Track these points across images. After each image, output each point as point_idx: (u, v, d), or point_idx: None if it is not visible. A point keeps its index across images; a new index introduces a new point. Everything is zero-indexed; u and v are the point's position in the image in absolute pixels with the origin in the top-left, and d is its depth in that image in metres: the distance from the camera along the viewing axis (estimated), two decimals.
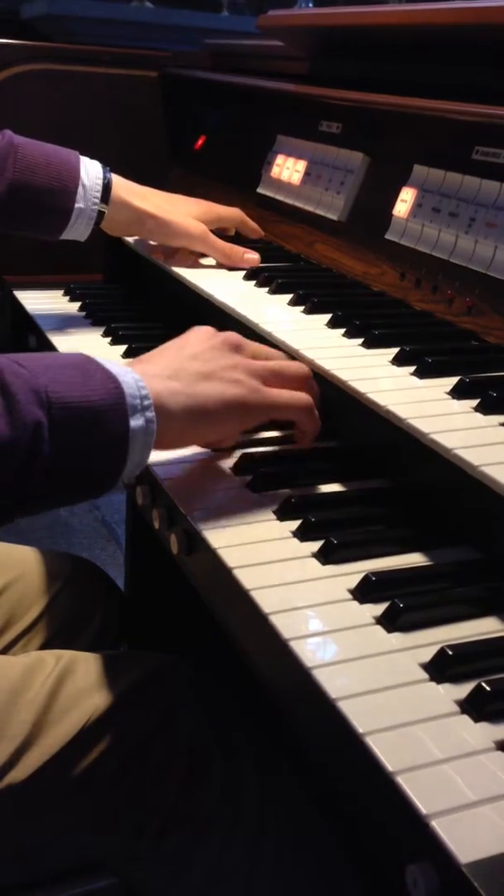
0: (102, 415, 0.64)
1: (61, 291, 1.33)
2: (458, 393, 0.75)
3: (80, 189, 1.10)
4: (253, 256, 1.16)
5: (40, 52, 1.53)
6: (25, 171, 1.08)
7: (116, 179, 1.14)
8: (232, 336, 0.79)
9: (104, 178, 1.12)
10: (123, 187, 1.14)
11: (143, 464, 0.68)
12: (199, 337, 0.78)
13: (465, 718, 0.52)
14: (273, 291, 1.04)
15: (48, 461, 0.62)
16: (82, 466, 0.65)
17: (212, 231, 1.18)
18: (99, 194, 1.11)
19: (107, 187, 1.12)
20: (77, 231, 1.13)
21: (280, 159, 1.30)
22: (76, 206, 1.10)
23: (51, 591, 1.11)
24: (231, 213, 1.23)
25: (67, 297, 1.31)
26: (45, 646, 1.07)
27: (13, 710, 0.83)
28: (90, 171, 1.11)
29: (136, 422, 0.66)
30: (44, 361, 0.66)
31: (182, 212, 1.16)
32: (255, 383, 0.75)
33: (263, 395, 0.76)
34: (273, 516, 0.72)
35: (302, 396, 0.78)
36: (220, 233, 1.26)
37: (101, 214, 1.12)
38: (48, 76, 1.51)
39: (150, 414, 0.67)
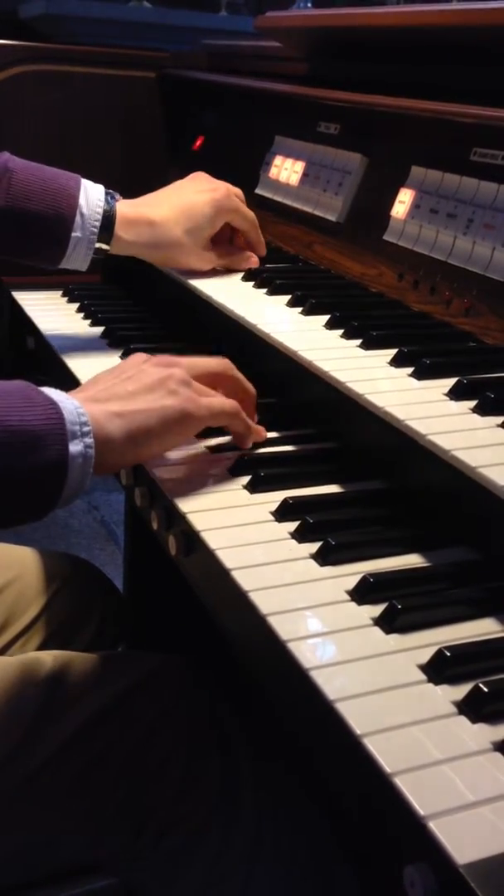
0: (42, 439, 0.67)
1: (60, 292, 1.33)
2: (456, 394, 0.76)
3: (77, 217, 1.03)
4: (254, 262, 1.13)
5: (39, 53, 1.53)
6: (19, 196, 1.03)
7: (122, 209, 1.05)
8: (163, 357, 0.81)
9: (106, 205, 1.04)
10: (128, 218, 1.05)
11: (83, 488, 0.70)
12: (132, 361, 0.81)
13: (463, 719, 0.52)
14: (271, 292, 1.04)
15: None
16: (21, 488, 0.68)
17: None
18: (98, 225, 1.03)
19: (108, 218, 1.04)
20: (76, 261, 1.06)
21: (278, 160, 1.30)
22: (73, 234, 1.03)
23: (49, 592, 1.11)
24: (245, 210, 1.14)
25: (66, 298, 1.31)
26: (43, 646, 1.07)
27: (11, 711, 0.83)
28: (91, 197, 1.04)
29: (74, 447, 0.68)
30: None
31: (194, 222, 1.07)
32: (190, 393, 0.77)
33: (199, 403, 0.78)
34: (271, 517, 0.73)
35: (230, 403, 0.81)
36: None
37: (99, 249, 1.05)
38: (47, 77, 1.51)
39: (89, 440, 0.70)
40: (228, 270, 1.14)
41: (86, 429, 0.69)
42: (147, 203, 1.09)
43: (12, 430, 0.66)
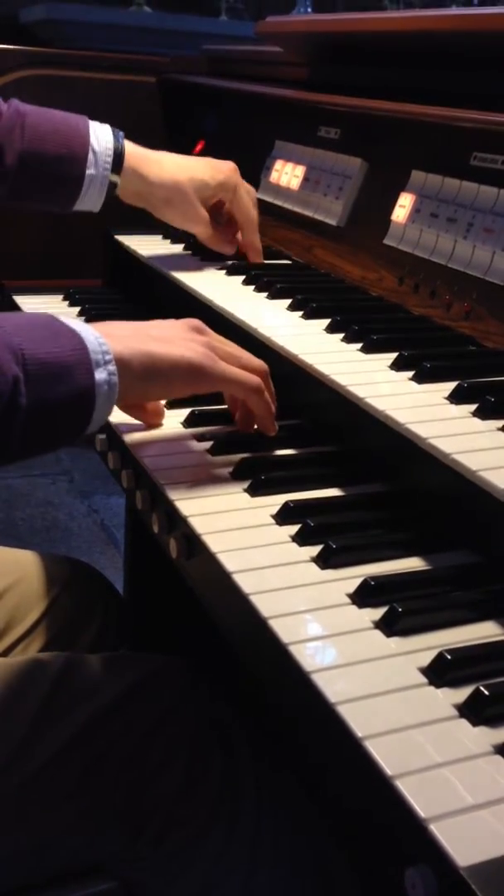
0: (70, 368, 0.70)
1: (61, 296, 1.33)
2: (456, 398, 0.76)
3: (90, 155, 1.08)
4: (230, 250, 1.17)
5: (40, 57, 1.53)
6: (34, 140, 1.07)
7: (129, 147, 1.11)
8: (195, 321, 0.83)
9: (116, 142, 1.09)
10: (135, 156, 1.11)
11: (108, 413, 0.74)
12: (166, 321, 0.84)
13: (464, 722, 0.52)
14: (272, 296, 1.04)
15: (26, 412, 0.68)
16: (55, 416, 0.71)
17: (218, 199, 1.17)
18: (110, 160, 1.09)
19: (118, 154, 1.09)
20: (90, 200, 1.11)
21: (279, 164, 1.31)
22: (87, 172, 1.08)
23: (50, 595, 1.11)
24: (248, 201, 1.18)
25: (67, 303, 1.31)
26: (44, 649, 1.07)
27: (12, 712, 0.83)
28: (100, 136, 1.09)
29: (99, 374, 0.72)
30: (15, 321, 0.72)
31: (198, 182, 1.13)
32: (211, 354, 0.79)
33: (217, 364, 0.79)
34: (272, 521, 0.73)
35: (253, 377, 0.81)
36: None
37: (113, 185, 1.10)
38: (47, 82, 1.51)
39: (112, 367, 0.73)
40: (230, 273, 1.14)
41: (108, 357, 0.73)
42: (156, 151, 1.15)
43: (42, 362, 0.69)
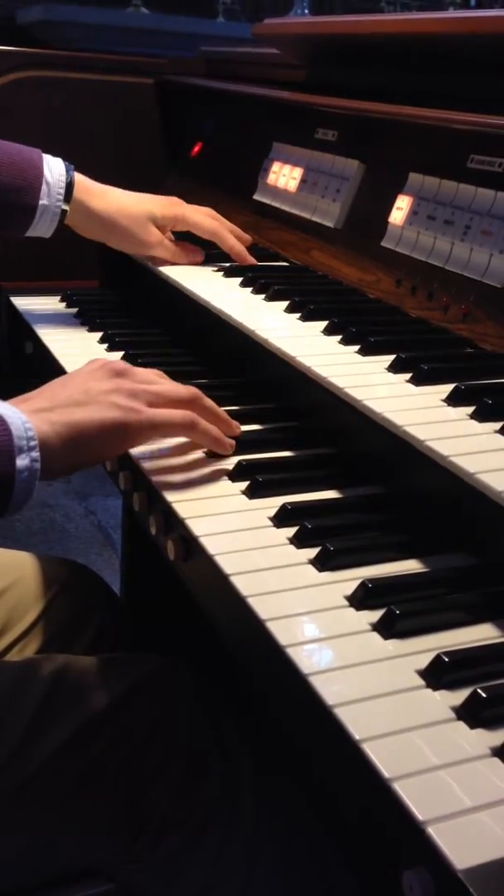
0: None
1: (58, 297, 1.34)
2: (453, 400, 0.76)
3: (43, 186, 1.11)
4: (199, 257, 1.19)
5: (37, 58, 1.53)
6: None
7: (78, 178, 1.15)
8: (116, 364, 0.82)
9: (67, 175, 1.13)
10: (82, 187, 1.15)
11: (28, 498, 0.72)
12: (84, 369, 0.82)
13: (461, 725, 0.52)
14: (269, 298, 1.04)
15: None
16: None
17: (181, 231, 1.20)
18: (63, 192, 1.12)
19: (69, 186, 1.13)
20: (41, 229, 1.14)
21: (276, 166, 1.31)
22: (40, 202, 1.11)
23: (47, 597, 1.11)
24: (202, 219, 1.20)
25: (64, 304, 1.32)
26: (41, 651, 1.07)
27: (9, 714, 0.83)
28: (53, 168, 1.12)
29: (21, 461, 0.70)
30: None
31: (143, 210, 1.16)
32: (134, 404, 0.77)
33: (142, 415, 0.77)
34: (270, 523, 0.73)
35: (182, 414, 0.80)
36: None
37: (63, 213, 1.13)
38: (45, 83, 1.51)
39: (35, 454, 0.71)
40: (227, 275, 1.14)
41: (32, 443, 0.71)
42: (101, 185, 1.18)
43: None
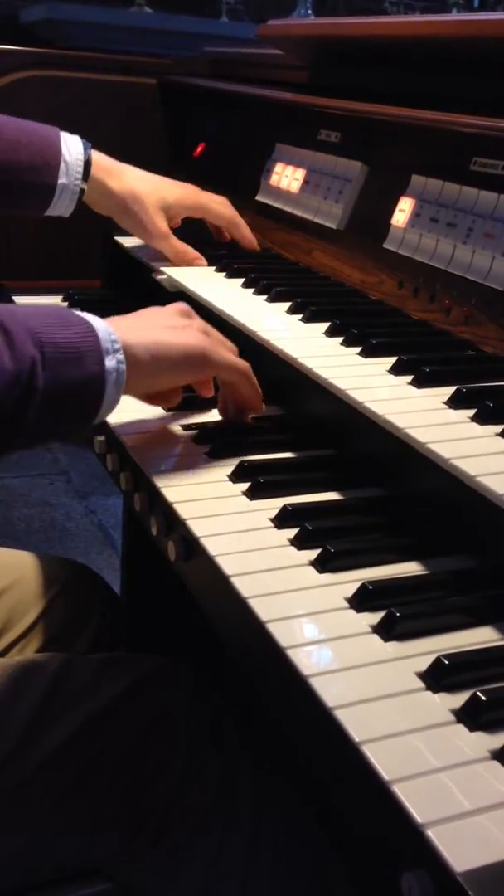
0: (81, 355, 0.72)
1: (60, 297, 1.33)
2: (455, 402, 0.76)
3: (62, 165, 1.11)
4: (201, 263, 1.19)
5: (41, 58, 1.53)
6: (8, 149, 1.09)
7: (96, 156, 1.15)
8: (183, 306, 0.87)
9: (85, 153, 1.13)
10: (100, 165, 1.15)
11: (116, 402, 0.76)
12: (156, 309, 0.87)
13: (461, 728, 0.52)
14: (272, 299, 1.04)
15: (42, 394, 0.70)
16: (68, 400, 0.73)
17: (196, 217, 1.20)
18: (81, 170, 1.12)
19: (87, 164, 1.13)
20: (61, 207, 1.14)
21: (279, 167, 1.31)
22: (59, 181, 1.11)
23: (47, 596, 1.11)
24: (219, 207, 1.22)
25: (66, 304, 1.32)
26: (41, 650, 1.07)
27: (9, 713, 0.83)
28: (71, 146, 1.12)
29: (109, 362, 0.74)
30: (26, 310, 0.74)
31: (157, 197, 1.16)
32: (211, 340, 0.83)
33: (218, 349, 0.83)
34: (271, 524, 0.73)
35: (244, 362, 0.86)
36: (216, 235, 1.27)
37: (82, 191, 1.13)
38: (48, 83, 1.51)
39: (121, 356, 0.75)
40: (229, 276, 1.14)
41: (116, 345, 0.75)
42: (122, 163, 1.19)
43: (57, 347, 0.71)
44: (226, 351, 0.84)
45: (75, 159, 1.12)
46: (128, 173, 1.17)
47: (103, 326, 0.75)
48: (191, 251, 1.19)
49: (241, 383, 0.86)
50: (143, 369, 0.78)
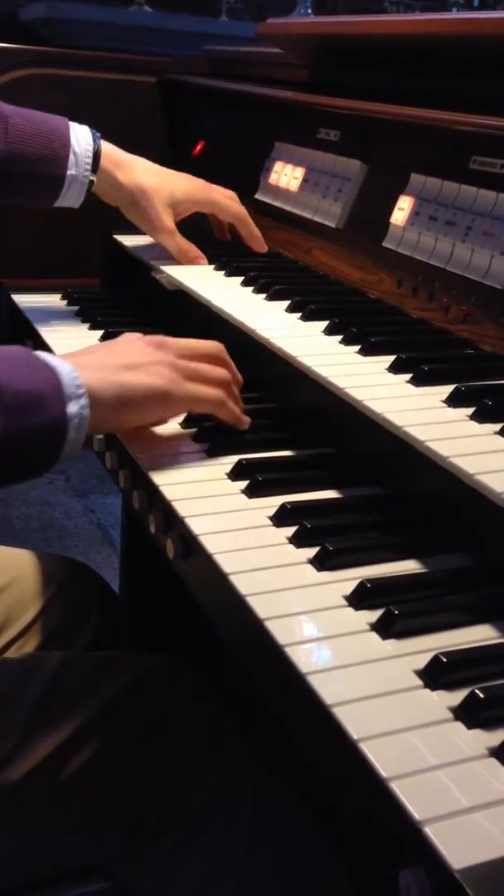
0: (44, 400, 0.71)
1: (59, 295, 1.34)
2: (453, 401, 0.76)
3: (71, 156, 1.11)
4: (203, 261, 1.19)
5: (40, 56, 1.53)
6: (17, 140, 1.09)
7: (106, 147, 1.14)
8: (156, 337, 0.86)
9: (94, 144, 1.13)
10: (110, 157, 1.15)
11: (79, 446, 0.75)
12: (125, 338, 0.86)
13: (459, 725, 0.52)
14: (271, 298, 1.04)
15: (1, 439, 0.68)
16: (28, 445, 0.72)
17: (204, 213, 1.20)
18: (90, 162, 1.12)
19: (97, 155, 1.13)
20: (70, 198, 1.14)
21: (278, 166, 1.31)
22: (68, 173, 1.11)
23: (46, 595, 1.11)
24: (229, 202, 1.22)
25: (65, 302, 1.32)
26: (39, 648, 1.07)
27: (8, 711, 0.83)
28: (80, 137, 1.12)
29: (72, 407, 0.73)
30: None
31: (166, 192, 1.16)
32: (176, 376, 0.81)
33: (183, 386, 0.81)
34: (269, 522, 0.73)
35: (216, 393, 0.84)
36: (217, 233, 1.27)
37: (91, 183, 1.13)
38: (48, 81, 1.51)
39: (84, 400, 0.74)
40: (229, 275, 1.14)
41: (80, 390, 0.74)
42: (132, 155, 1.18)
43: (17, 393, 0.70)
44: (194, 385, 0.82)
45: (84, 150, 1.12)
46: (137, 166, 1.17)
47: (67, 371, 0.74)
48: (194, 249, 1.19)
49: (218, 411, 0.84)
50: (107, 411, 0.77)
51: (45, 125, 1.11)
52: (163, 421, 0.86)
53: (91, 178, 1.13)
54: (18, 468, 0.74)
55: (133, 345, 0.84)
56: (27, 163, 1.10)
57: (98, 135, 1.14)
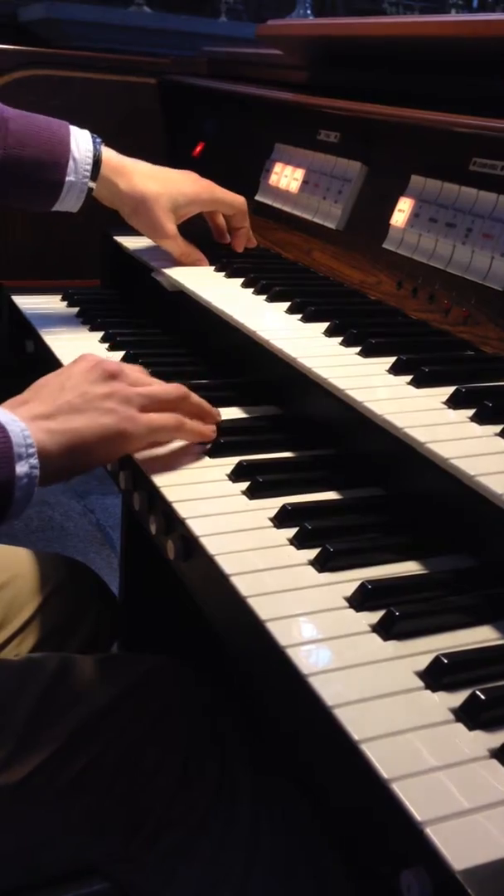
0: None
1: (59, 296, 1.34)
2: (454, 402, 0.76)
3: (70, 162, 1.10)
4: (204, 263, 1.19)
5: (39, 57, 1.53)
6: (16, 145, 1.08)
7: (107, 154, 1.14)
8: (110, 365, 0.82)
9: (94, 151, 1.12)
10: (110, 164, 1.14)
11: (27, 505, 0.72)
12: (79, 368, 0.81)
13: (460, 726, 0.52)
14: (271, 299, 1.05)
15: None
16: None
17: (206, 213, 1.20)
18: (90, 168, 1.11)
19: (97, 162, 1.12)
20: (68, 204, 1.13)
21: (278, 167, 1.31)
22: (67, 179, 1.10)
23: (43, 593, 1.11)
24: (233, 198, 1.21)
25: (66, 303, 1.32)
26: (36, 647, 1.07)
27: (7, 712, 0.83)
28: (80, 143, 1.11)
29: (21, 468, 0.70)
30: None
31: (167, 198, 1.15)
32: (129, 411, 0.78)
33: (138, 422, 0.79)
34: (270, 524, 0.73)
35: (172, 417, 0.82)
36: (217, 236, 1.27)
37: (91, 189, 1.13)
38: (48, 82, 1.51)
39: (34, 460, 0.71)
40: (229, 276, 1.14)
41: (31, 450, 0.71)
42: (132, 160, 1.17)
43: None
44: (149, 417, 0.79)
45: (84, 156, 1.11)
46: (138, 172, 1.16)
47: (18, 430, 0.71)
48: (196, 252, 1.19)
49: (177, 436, 0.83)
50: (59, 464, 0.74)
51: (45, 130, 1.11)
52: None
53: (90, 184, 1.12)
54: None
55: (85, 377, 0.80)
56: (26, 168, 1.09)
57: (99, 140, 1.13)
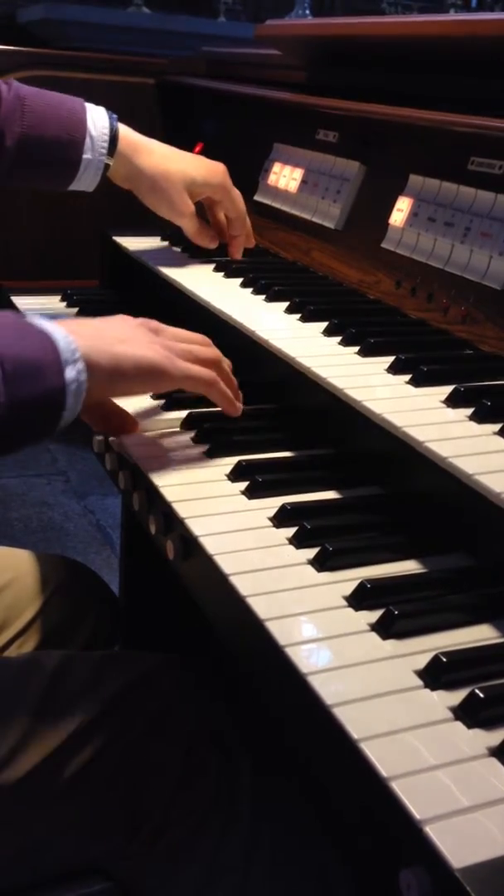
0: (41, 367, 0.71)
1: (58, 297, 1.34)
2: (453, 402, 0.76)
3: (87, 140, 1.09)
4: (215, 243, 1.19)
5: (38, 58, 1.53)
6: (34, 123, 1.08)
7: (123, 131, 1.13)
8: (151, 322, 0.85)
9: (111, 127, 1.11)
10: (128, 141, 1.13)
11: (77, 412, 0.74)
12: (121, 317, 0.85)
13: (459, 725, 0.52)
14: (270, 299, 1.05)
15: (2, 409, 0.68)
16: (29, 413, 0.71)
17: (210, 197, 1.19)
18: (106, 145, 1.11)
19: (114, 138, 1.11)
20: (85, 182, 1.13)
21: (277, 167, 1.31)
22: (84, 156, 1.10)
23: (44, 594, 1.11)
24: (239, 199, 1.21)
25: (65, 303, 1.32)
26: (38, 648, 1.07)
27: (8, 711, 0.83)
28: (97, 120, 1.11)
29: (69, 372, 0.72)
30: None
31: (184, 175, 1.15)
32: (168, 353, 0.81)
33: (175, 363, 0.81)
34: (269, 523, 0.73)
35: (208, 372, 0.84)
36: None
37: (107, 166, 1.12)
38: (46, 83, 1.50)
39: (81, 365, 0.73)
40: (228, 276, 1.14)
41: (76, 355, 0.73)
42: (148, 138, 1.17)
43: (15, 361, 0.69)
44: (186, 364, 0.82)
45: (101, 133, 1.10)
46: (156, 150, 1.15)
47: (62, 335, 0.73)
48: (209, 231, 1.19)
49: (209, 392, 0.84)
50: (101, 378, 0.76)
51: (62, 107, 1.10)
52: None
53: (107, 161, 1.11)
54: (21, 437, 0.73)
55: (127, 322, 0.83)
56: (42, 147, 1.08)
57: (115, 116, 1.12)
